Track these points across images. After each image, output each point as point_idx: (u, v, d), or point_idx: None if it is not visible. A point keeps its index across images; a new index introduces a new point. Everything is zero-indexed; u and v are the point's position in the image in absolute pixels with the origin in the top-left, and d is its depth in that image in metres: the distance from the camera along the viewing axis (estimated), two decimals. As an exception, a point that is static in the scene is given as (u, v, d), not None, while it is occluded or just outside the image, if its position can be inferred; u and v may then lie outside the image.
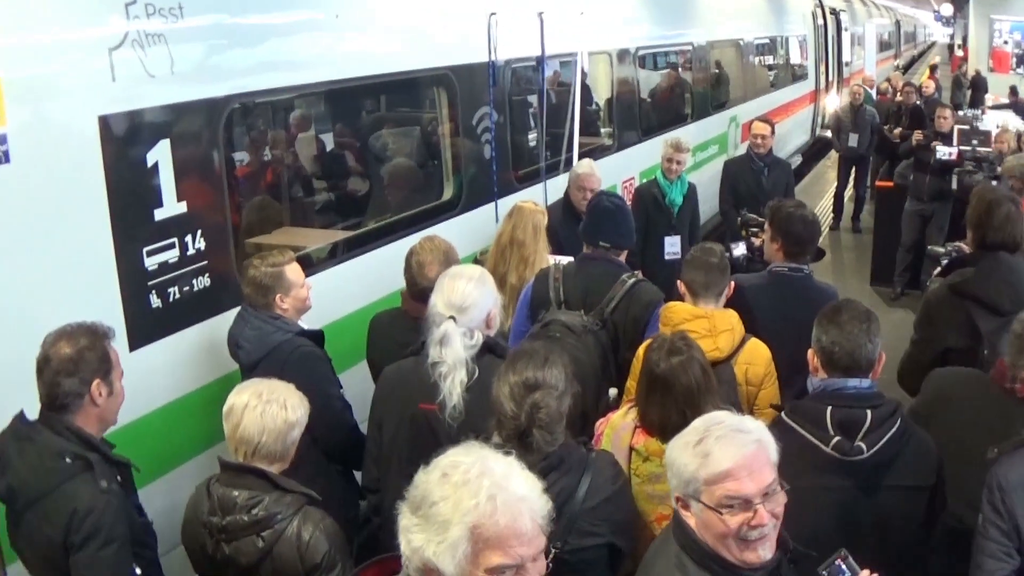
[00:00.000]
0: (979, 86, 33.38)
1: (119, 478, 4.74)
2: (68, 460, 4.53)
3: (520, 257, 7.57)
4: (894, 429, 4.57)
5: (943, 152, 13.43)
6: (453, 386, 4.94)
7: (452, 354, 4.94)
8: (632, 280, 6.65)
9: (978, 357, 6.11)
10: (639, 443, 5.06)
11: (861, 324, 4.74)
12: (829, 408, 4.62)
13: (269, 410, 4.61)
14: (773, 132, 12.13)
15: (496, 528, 2.76)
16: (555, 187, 10.52)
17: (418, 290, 6.21)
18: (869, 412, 4.57)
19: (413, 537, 2.82)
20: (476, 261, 7.95)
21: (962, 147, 13.35)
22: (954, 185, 12.96)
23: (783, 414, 4.78)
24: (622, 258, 6.98)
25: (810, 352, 4.91)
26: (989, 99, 29.67)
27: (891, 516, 4.61)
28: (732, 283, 6.38)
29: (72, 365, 4.57)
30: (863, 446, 4.50)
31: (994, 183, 11.40)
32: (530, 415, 4.22)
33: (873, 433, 4.53)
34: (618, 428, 5.21)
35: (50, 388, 4.60)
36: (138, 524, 4.87)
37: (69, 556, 4.49)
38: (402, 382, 5.32)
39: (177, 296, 6.16)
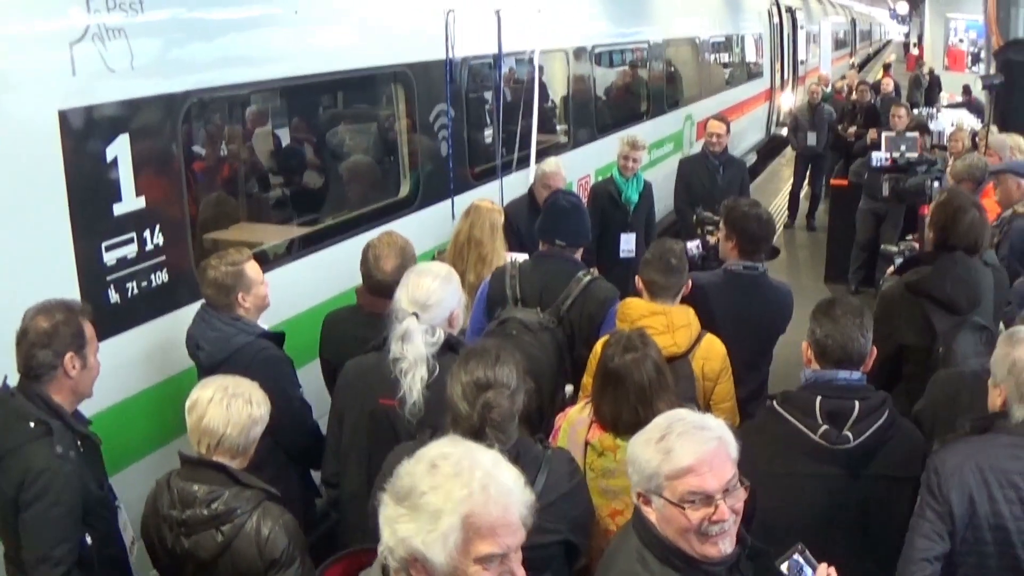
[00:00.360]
0: (933, 85, 33.67)
1: (81, 448, 4.89)
2: (31, 424, 4.73)
3: (478, 256, 7.60)
4: (881, 420, 4.74)
5: (878, 158, 13.57)
6: (413, 382, 5.00)
7: (413, 351, 5.00)
8: (588, 278, 6.72)
9: (933, 355, 6.22)
10: (594, 438, 5.13)
11: (855, 318, 4.90)
12: (819, 398, 4.77)
13: (235, 404, 4.67)
14: (728, 130, 12.21)
15: (489, 518, 2.78)
16: (511, 184, 10.60)
17: (373, 283, 6.25)
18: (857, 403, 4.73)
19: (400, 527, 2.81)
20: (434, 259, 7.97)
21: (892, 153, 13.47)
22: (885, 191, 13.08)
23: (774, 403, 4.91)
24: (578, 255, 7.05)
25: (804, 344, 5.04)
26: (944, 97, 29.93)
27: (875, 504, 4.76)
28: (689, 281, 6.47)
29: (47, 338, 4.79)
30: (849, 435, 4.67)
31: (936, 184, 11.53)
32: (482, 415, 4.26)
33: (860, 423, 4.70)
34: (575, 423, 5.28)
35: (26, 359, 4.82)
36: (95, 496, 4.95)
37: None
38: (363, 377, 5.38)
39: (135, 291, 6.17)
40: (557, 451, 4.71)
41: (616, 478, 4.97)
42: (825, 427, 4.68)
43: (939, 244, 6.76)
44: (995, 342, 5.03)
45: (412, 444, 4.05)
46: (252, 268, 6.10)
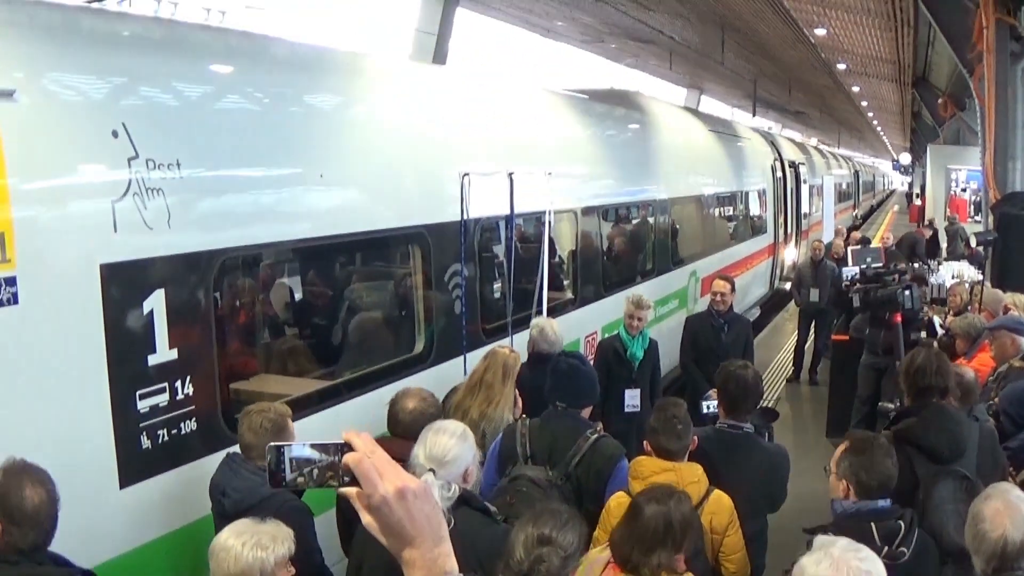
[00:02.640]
0: (935, 236, 33.92)
1: None
2: None
3: (486, 396, 7.81)
4: (917, 532, 5.45)
5: (848, 272, 13.82)
6: None
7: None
8: (595, 436, 6.96)
9: (915, 502, 6.44)
10: None
11: (887, 457, 5.70)
12: (874, 524, 5.40)
13: (278, 554, 4.88)
14: (733, 289, 12.47)
15: None
16: (520, 342, 10.51)
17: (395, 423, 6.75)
18: (901, 522, 5.41)
19: None
20: (452, 391, 8.17)
21: (859, 265, 13.70)
22: (856, 303, 13.22)
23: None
24: (585, 414, 7.31)
25: (833, 479, 5.75)
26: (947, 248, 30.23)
27: None
28: (695, 438, 6.79)
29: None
30: (904, 550, 5.32)
31: (907, 293, 11.74)
32: (532, 566, 4.53)
33: (905, 538, 5.36)
34: (592, 561, 5.52)
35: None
36: None
37: None
38: None
39: (165, 438, 6.39)
40: None
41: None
42: (886, 548, 5.24)
43: (914, 391, 7.12)
44: (975, 493, 5.42)
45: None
46: (290, 420, 6.38)
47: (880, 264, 13.42)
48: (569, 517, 4.82)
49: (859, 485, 5.60)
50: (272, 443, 2.37)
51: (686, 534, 5.39)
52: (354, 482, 2.32)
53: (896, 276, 12.10)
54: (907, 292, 11.45)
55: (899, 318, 11.11)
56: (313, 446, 2.36)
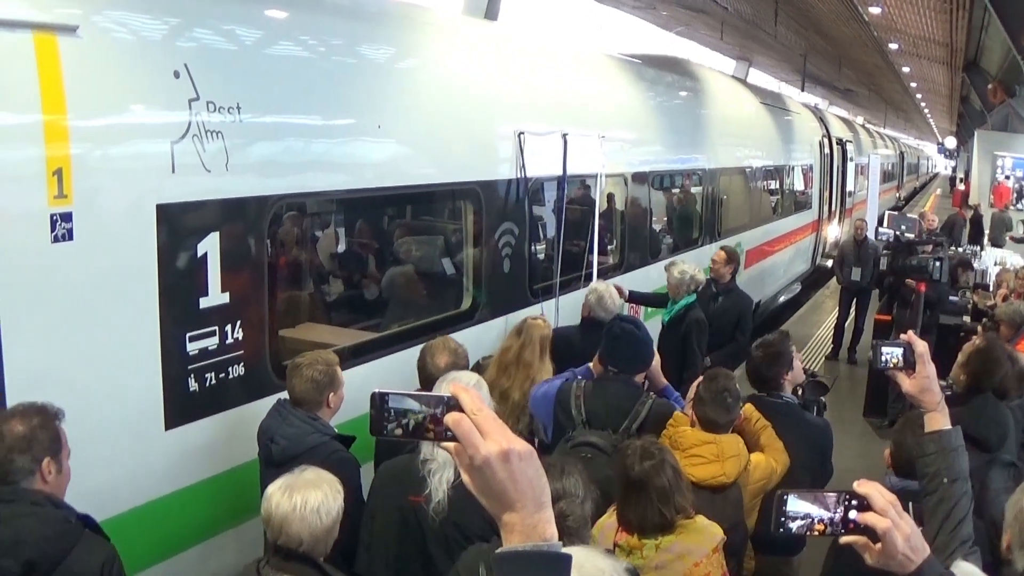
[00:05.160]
0: (979, 224, 33.65)
1: None
2: (71, 521, 4.67)
3: (527, 375, 7.79)
4: None
5: (884, 233, 13.74)
6: (440, 483, 5.29)
7: (443, 453, 5.17)
8: (651, 400, 6.89)
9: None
10: (621, 539, 5.39)
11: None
12: (911, 504, 5.14)
13: (336, 504, 4.83)
14: (729, 261, 12.17)
15: None
16: (567, 303, 10.70)
17: (426, 377, 6.73)
18: None
19: None
20: (476, 367, 8.09)
21: (894, 230, 13.63)
22: (883, 266, 13.04)
23: None
24: (638, 378, 7.21)
25: (887, 451, 5.74)
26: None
27: None
28: (741, 413, 6.74)
29: (25, 443, 4.64)
30: None
31: (938, 264, 11.65)
32: (559, 524, 4.47)
33: None
34: (604, 527, 5.51)
35: (1, 464, 4.64)
36: None
37: None
38: (395, 477, 5.63)
39: (213, 382, 6.39)
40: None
41: (645, 574, 5.23)
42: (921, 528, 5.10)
43: (970, 388, 7.02)
44: (1021, 479, 5.35)
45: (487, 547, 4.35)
46: (339, 370, 6.37)
47: (913, 234, 13.40)
48: (562, 463, 4.82)
49: (894, 462, 5.66)
50: (376, 390, 2.31)
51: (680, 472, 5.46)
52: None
53: (930, 247, 11.99)
54: (937, 263, 11.33)
55: (923, 287, 11.00)
56: (414, 397, 2.30)
